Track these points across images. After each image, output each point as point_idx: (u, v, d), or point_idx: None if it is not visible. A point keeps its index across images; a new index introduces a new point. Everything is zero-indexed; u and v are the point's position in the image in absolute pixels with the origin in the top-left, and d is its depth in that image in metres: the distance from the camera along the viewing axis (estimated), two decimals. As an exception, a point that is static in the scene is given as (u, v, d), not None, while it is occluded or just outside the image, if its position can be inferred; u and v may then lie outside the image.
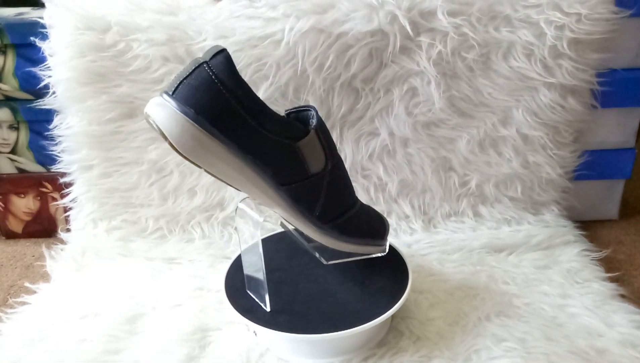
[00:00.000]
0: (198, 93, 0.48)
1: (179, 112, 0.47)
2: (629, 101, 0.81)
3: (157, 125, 0.48)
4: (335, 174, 0.57)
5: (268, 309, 0.58)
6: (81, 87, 0.75)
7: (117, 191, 0.82)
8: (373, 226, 0.62)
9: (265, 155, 0.52)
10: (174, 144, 0.48)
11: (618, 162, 0.86)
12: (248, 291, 0.61)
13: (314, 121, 0.54)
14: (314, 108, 0.55)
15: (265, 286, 0.58)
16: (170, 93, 0.48)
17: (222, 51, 0.49)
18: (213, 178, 0.79)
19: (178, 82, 0.48)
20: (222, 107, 0.48)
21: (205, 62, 0.48)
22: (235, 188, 0.53)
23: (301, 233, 0.60)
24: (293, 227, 0.60)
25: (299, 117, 0.56)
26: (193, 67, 0.48)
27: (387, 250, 0.63)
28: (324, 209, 0.57)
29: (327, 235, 0.58)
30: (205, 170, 0.51)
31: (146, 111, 0.48)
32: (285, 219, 0.58)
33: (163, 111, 0.47)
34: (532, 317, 0.64)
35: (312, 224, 0.57)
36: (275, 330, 0.56)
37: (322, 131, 0.55)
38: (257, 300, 0.60)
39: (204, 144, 0.48)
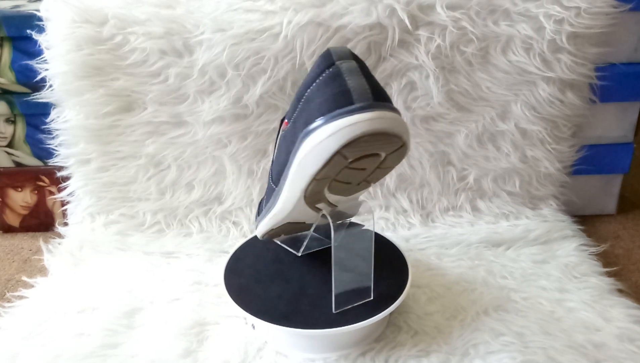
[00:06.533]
0: None
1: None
2: (627, 96, 0.81)
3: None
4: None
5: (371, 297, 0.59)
6: (78, 80, 0.75)
7: (115, 185, 0.81)
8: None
9: None
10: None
11: (616, 156, 0.86)
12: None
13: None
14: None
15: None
16: None
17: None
18: (211, 172, 0.81)
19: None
20: None
21: None
22: None
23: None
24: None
25: None
26: None
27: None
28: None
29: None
30: None
31: None
32: None
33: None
34: (530, 312, 0.64)
35: None
36: (274, 323, 0.56)
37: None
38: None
39: None
